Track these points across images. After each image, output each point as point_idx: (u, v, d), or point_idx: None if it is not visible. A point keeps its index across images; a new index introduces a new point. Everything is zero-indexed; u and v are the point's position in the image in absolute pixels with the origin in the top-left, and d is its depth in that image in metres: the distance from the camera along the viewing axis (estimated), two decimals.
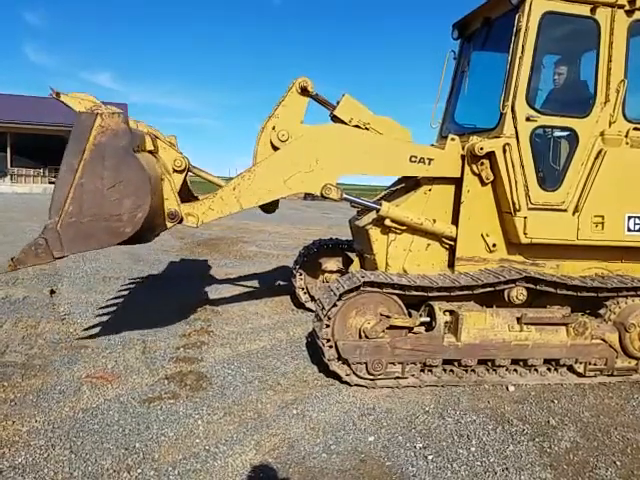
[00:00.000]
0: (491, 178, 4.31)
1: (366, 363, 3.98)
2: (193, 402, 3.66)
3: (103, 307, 5.85)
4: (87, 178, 3.43)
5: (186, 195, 4.60)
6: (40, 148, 31.71)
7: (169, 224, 4.16)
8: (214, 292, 6.79)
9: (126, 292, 6.57)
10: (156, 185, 3.73)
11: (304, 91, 4.46)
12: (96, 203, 3.44)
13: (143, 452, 3.01)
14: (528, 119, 4.21)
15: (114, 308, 5.83)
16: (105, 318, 5.46)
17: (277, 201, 4.90)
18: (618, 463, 3.15)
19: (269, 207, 4.96)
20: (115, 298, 6.24)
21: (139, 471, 2.83)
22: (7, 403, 3.50)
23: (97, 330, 5.05)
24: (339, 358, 4.00)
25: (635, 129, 4.34)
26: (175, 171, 4.31)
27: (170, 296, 6.40)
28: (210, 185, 5.06)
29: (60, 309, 5.72)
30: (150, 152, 4.01)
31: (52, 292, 6.38)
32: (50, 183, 32.38)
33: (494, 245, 4.44)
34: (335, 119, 4.65)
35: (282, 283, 7.25)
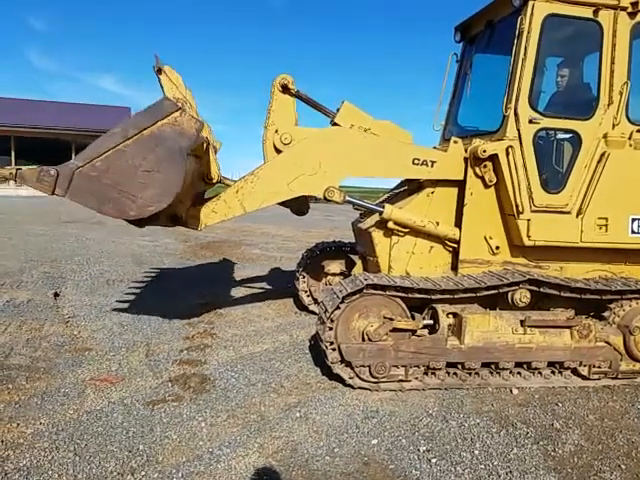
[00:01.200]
0: (494, 180, 4.31)
1: (369, 366, 3.97)
2: (197, 405, 3.66)
3: (107, 310, 5.86)
4: (131, 150, 3.42)
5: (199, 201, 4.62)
6: (44, 151, 31.82)
7: (170, 224, 4.20)
8: (217, 295, 6.79)
9: (130, 295, 6.59)
10: (182, 192, 3.76)
11: (285, 89, 4.44)
12: (124, 175, 3.42)
13: (147, 454, 3.02)
14: (531, 121, 4.21)
15: (118, 311, 5.84)
16: (109, 321, 5.47)
17: (307, 202, 4.93)
18: (623, 467, 3.13)
19: (300, 208, 4.96)
20: (119, 301, 6.26)
21: (143, 473, 2.84)
22: (12, 405, 3.51)
23: (101, 333, 5.07)
24: (342, 361, 4.00)
25: (639, 131, 4.34)
26: (206, 182, 4.40)
27: (173, 299, 6.41)
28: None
29: (64, 312, 5.74)
30: (196, 156, 4.04)
31: (56, 295, 6.40)
32: None
33: (497, 247, 4.44)
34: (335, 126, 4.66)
35: (285, 286, 7.25)
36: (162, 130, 3.45)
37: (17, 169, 3.42)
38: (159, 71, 4.00)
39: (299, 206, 4.90)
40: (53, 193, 3.37)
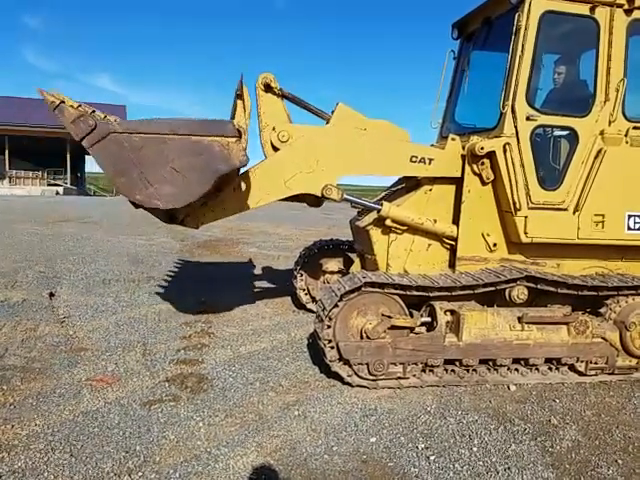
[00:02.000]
0: (491, 178, 4.31)
1: (367, 364, 3.97)
2: (194, 404, 3.65)
3: (103, 310, 5.83)
4: (173, 145, 3.43)
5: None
6: (38, 150, 31.67)
7: (167, 222, 4.20)
8: (214, 293, 6.77)
9: (126, 294, 6.56)
10: (194, 203, 3.75)
11: (268, 88, 4.31)
12: (153, 161, 3.42)
13: (144, 455, 3.00)
14: (528, 118, 4.21)
15: (114, 310, 5.81)
16: (105, 321, 5.44)
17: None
18: (620, 462, 3.15)
19: (313, 201, 4.85)
20: (115, 300, 6.23)
21: (140, 474, 2.82)
22: (6, 407, 3.49)
23: (97, 333, 5.04)
24: (340, 359, 3.99)
25: (635, 128, 4.34)
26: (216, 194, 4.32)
27: (170, 298, 6.38)
28: None
29: (59, 312, 5.70)
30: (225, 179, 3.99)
31: (51, 295, 6.36)
32: (49, 185, 32.39)
33: (495, 245, 4.44)
34: None
35: (283, 284, 7.24)
36: (211, 145, 3.47)
37: (61, 101, 3.32)
38: (239, 95, 3.94)
39: (313, 198, 4.81)
40: (81, 141, 3.35)
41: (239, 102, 3.88)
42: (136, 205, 3.75)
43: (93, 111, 3.53)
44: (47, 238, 10.92)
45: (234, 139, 3.49)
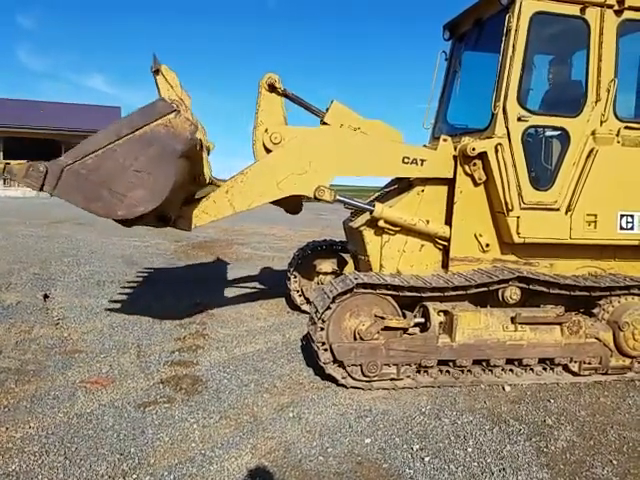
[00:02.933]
0: (483, 178, 4.33)
1: (361, 365, 3.97)
2: (188, 406, 3.65)
3: (97, 311, 5.82)
4: (123, 150, 3.37)
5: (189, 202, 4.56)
6: (33, 152, 31.51)
7: (159, 225, 4.16)
8: (209, 295, 6.76)
9: (120, 296, 6.54)
10: (172, 193, 3.70)
11: (272, 88, 4.41)
12: (114, 173, 3.37)
13: (138, 457, 3.00)
14: (520, 119, 4.22)
15: (108, 312, 5.80)
16: (99, 322, 5.43)
17: (300, 201, 4.90)
18: (615, 462, 3.16)
19: (294, 207, 4.93)
20: (109, 302, 6.21)
21: (134, 476, 2.82)
22: (0, 409, 3.47)
23: (91, 335, 5.03)
24: (334, 361, 3.99)
25: (626, 128, 4.37)
26: (197, 184, 4.35)
27: (164, 299, 6.37)
28: None
29: (54, 314, 5.69)
30: (188, 157, 3.99)
31: (46, 297, 6.34)
32: None
33: (487, 245, 4.45)
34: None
35: (277, 285, 7.24)
36: (155, 131, 3.40)
37: (6, 163, 3.36)
38: (156, 72, 3.95)
39: (292, 205, 4.87)
40: (41, 189, 3.31)
41: (159, 78, 3.89)
42: (124, 222, 3.74)
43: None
44: (42, 240, 10.89)
45: (172, 113, 3.42)
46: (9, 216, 15.61)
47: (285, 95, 4.49)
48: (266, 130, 4.38)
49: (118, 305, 6.11)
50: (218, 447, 3.14)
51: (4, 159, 30.81)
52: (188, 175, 3.90)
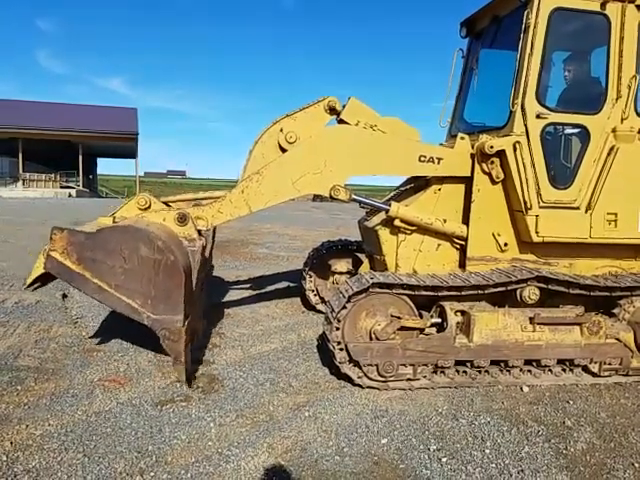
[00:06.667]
0: (502, 177, 4.28)
1: (377, 365, 3.95)
2: (205, 405, 3.66)
3: (115, 311, 5.86)
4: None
5: None
6: (51, 153, 32.02)
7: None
8: (225, 294, 6.80)
9: None
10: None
11: (332, 111, 4.50)
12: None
13: (156, 455, 3.02)
14: (538, 116, 4.17)
15: None
16: (117, 322, 5.47)
17: None
18: (636, 465, 3.10)
19: None
20: None
21: (152, 474, 2.84)
22: (21, 407, 3.52)
23: (109, 334, 5.07)
24: (350, 360, 3.98)
25: None
26: None
27: None
28: None
29: (72, 313, 5.76)
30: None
31: (64, 296, 6.42)
32: (61, 188, 32.74)
33: (505, 244, 4.40)
34: (342, 123, 4.63)
35: (292, 285, 7.24)
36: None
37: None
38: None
39: None
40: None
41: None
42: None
43: None
44: None
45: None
46: (29, 216, 15.85)
47: (339, 121, 4.55)
48: (281, 130, 4.38)
49: None
50: (234, 446, 3.15)
51: (23, 160, 31.33)
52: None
